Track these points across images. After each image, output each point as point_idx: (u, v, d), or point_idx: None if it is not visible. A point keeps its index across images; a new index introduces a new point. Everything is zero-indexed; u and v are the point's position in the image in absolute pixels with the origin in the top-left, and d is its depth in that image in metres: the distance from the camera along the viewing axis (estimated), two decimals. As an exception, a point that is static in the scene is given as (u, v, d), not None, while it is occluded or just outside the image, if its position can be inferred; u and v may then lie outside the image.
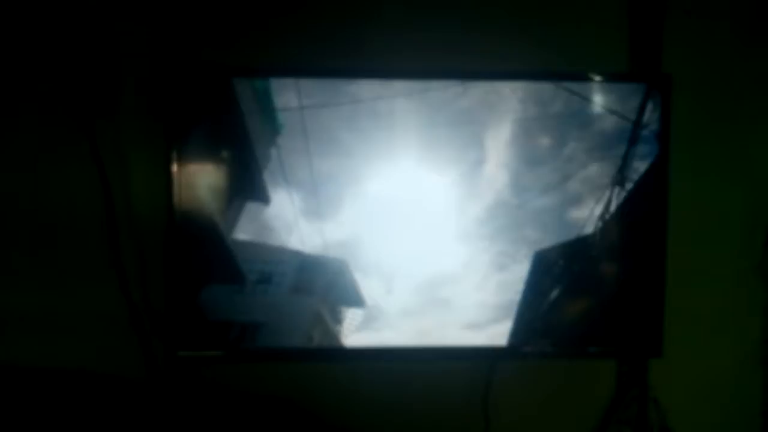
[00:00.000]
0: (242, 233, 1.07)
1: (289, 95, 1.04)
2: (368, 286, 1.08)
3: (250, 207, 1.07)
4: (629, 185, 1.07)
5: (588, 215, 1.07)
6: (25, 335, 1.14)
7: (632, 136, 1.06)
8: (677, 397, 1.22)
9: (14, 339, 1.13)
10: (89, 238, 1.13)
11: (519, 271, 1.08)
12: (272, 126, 1.05)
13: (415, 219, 1.07)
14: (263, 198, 1.07)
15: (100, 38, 1.11)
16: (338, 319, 1.10)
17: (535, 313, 1.09)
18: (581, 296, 1.09)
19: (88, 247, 1.13)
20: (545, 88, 1.04)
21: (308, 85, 1.04)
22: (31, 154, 1.13)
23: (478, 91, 1.04)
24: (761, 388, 1.24)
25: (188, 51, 1.12)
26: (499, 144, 1.05)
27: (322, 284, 1.09)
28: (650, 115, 1.05)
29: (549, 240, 1.07)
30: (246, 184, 1.07)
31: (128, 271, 1.13)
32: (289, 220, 1.06)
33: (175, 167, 1.04)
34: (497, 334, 1.09)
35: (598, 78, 1.05)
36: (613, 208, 1.07)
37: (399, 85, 1.04)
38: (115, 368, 1.14)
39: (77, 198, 1.13)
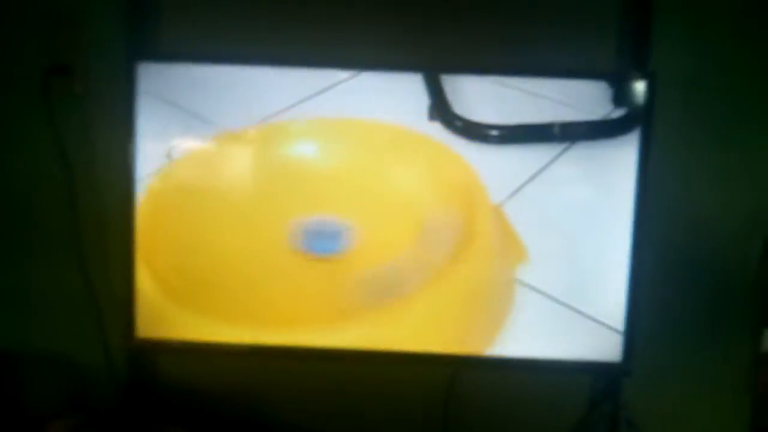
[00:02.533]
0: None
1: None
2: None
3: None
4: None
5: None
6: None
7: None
8: (656, 418, 1.14)
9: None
10: (50, 217, 1.13)
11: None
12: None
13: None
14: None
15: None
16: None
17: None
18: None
19: (51, 226, 1.13)
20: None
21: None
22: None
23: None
24: (749, 414, 1.15)
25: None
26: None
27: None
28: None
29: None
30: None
31: (89, 254, 1.13)
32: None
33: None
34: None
35: (585, 75, 1.00)
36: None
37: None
38: (74, 351, 1.15)
39: (38, 176, 1.13)
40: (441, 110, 0.99)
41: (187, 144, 1.04)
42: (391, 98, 1.00)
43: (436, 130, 1.00)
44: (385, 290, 1.01)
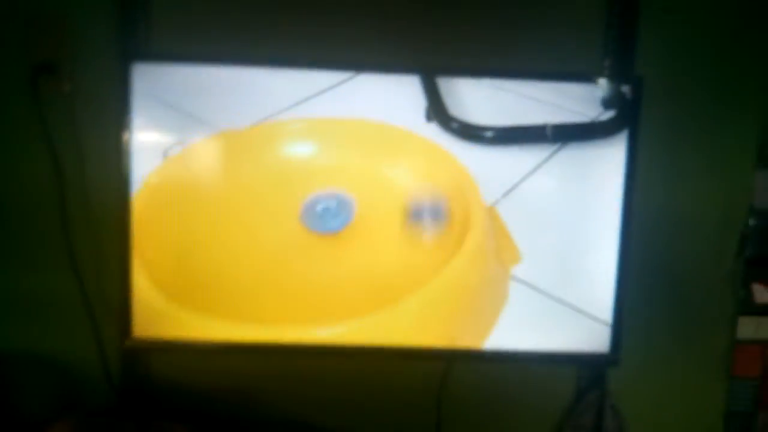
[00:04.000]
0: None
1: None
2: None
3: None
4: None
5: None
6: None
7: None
8: (638, 405, 1.20)
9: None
10: (41, 217, 1.11)
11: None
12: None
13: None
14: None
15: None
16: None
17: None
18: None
19: (42, 228, 1.12)
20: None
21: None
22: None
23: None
24: (723, 401, 1.21)
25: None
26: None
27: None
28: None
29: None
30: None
31: (82, 255, 1.12)
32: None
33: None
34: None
35: (570, 78, 1.03)
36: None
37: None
38: (67, 352, 1.14)
39: (30, 177, 1.11)
40: (437, 112, 1.02)
41: (183, 144, 1.04)
42: (389, 100, 1.02)
43: (433, 131, 1.02)
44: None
